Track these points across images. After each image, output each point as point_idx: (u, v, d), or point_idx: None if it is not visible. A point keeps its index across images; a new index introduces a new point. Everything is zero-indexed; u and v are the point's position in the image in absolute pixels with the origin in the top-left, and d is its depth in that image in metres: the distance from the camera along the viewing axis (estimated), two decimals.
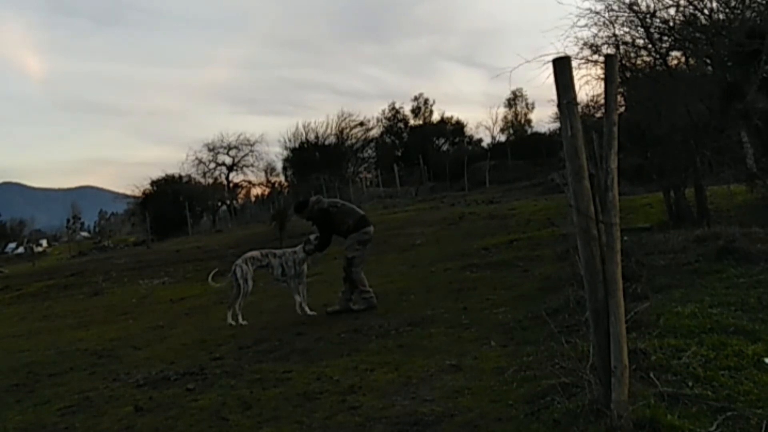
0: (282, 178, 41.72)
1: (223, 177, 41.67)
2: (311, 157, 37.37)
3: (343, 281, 7.65)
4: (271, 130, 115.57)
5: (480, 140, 44.86)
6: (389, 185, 35.39)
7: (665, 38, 10.84)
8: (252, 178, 42.32)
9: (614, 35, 10.69)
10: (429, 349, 5.13)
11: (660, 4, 10.39)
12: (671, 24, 10.59)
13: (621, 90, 10.34)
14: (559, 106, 2.98)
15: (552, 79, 2.98)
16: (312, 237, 7.81)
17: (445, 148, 44.44)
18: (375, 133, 42.33)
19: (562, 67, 2.97)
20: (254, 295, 7.88)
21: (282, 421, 3.86)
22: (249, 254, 7.86)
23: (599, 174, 2.97)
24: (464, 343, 5.21)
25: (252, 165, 41.51)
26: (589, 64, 10.68)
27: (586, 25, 10.99)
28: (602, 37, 10.61)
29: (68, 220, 71.32)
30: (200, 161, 40.36)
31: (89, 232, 73.87)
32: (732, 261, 6.06)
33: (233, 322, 7.48)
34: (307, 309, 7.49)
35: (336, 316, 7.23)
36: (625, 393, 2.85)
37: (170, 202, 32.45)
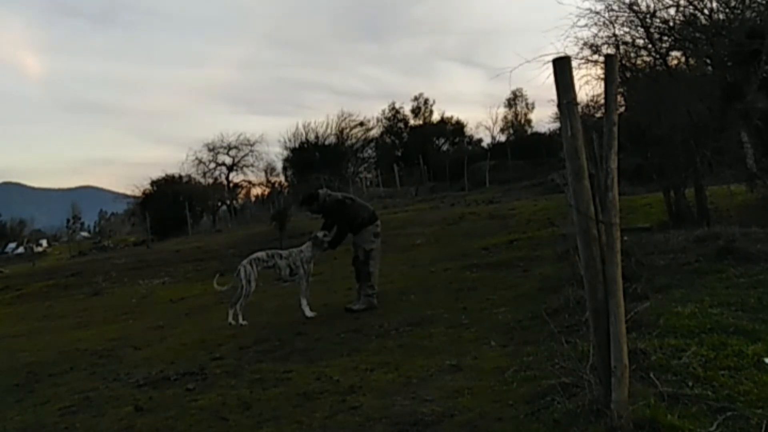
0: (282, 178, 41.74)
1: (223, 177, 41.68)
2: (311, 157, 37.35)
3: (356, 279, 7.58)
4: (271, 130, 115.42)
5: (480, 140, 44.92)
6: (389, 185, 35.39)
7: (665, 38, 10.86)
8: (252, 178, 42.34)
9: (614, 35, 10.72)
10: (429, 349, 5.13)
11: (660, 4, 10.43)
12: (671, 24, 10.61)
13: (621, 90, 10.34)
14: (559, 106, 2.98)
15: (552, 79, 2.98)
16: (320, 233, 7.71)
17: (445, 148, 44.42)
18: (375, 133, 42.41)
19: (562, 67, 2.96)
20: (255, 295, 7.87)
21: (282, 421, 3.86)
22: (255, 255, 7.80)
23: (599, 174, 2.97)
24: (464, 343, 5.21)
25: (252, 165, 41.52)
26: (589, 64, 10.72)
27: (586, 25, 11.04)
28: (602, 37, 10.65)
29: (68, 220, 71.23)
30: (200, 161, 40.37)
31: (89, 232, 73.84)
32: (732, 261, 6.05)
33: (233, 322, 7.47)
34: (308, 311, 7.42)
35: (336, 317, 7.22)
36: (625, 393, 2.85)
37: (170, 202, 32.37)
